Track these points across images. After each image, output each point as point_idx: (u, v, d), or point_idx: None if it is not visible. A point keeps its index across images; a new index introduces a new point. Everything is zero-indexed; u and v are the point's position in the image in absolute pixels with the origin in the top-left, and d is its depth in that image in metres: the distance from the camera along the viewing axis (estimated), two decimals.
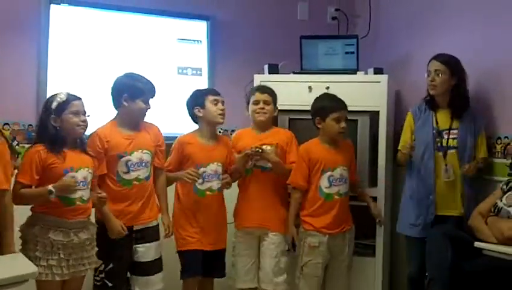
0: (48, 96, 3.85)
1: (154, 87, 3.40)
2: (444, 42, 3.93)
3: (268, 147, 3.58)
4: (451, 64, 3.49)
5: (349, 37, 4.45)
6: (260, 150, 3.52)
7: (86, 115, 3.10)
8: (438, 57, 3.53)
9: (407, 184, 3.71)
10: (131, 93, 3.31)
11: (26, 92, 3.96)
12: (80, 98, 3.10)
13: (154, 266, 3.42)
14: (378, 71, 4.06)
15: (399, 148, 3.68)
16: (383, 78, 3.98)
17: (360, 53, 4.22)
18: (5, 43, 3.91)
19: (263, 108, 3.65)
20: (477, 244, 3.05)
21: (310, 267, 3.55)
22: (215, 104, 3.54)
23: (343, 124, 3.51)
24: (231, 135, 4.25)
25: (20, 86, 3.94)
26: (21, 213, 3.01)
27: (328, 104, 3.55)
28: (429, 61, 3.56)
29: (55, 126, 3.02)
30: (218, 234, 3.59)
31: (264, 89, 3.69)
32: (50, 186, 2.93)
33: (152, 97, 3.39)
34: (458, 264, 3.07)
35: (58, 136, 3.02)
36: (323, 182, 3.55)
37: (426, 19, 4.18)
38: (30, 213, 3.04)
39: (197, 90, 3.71)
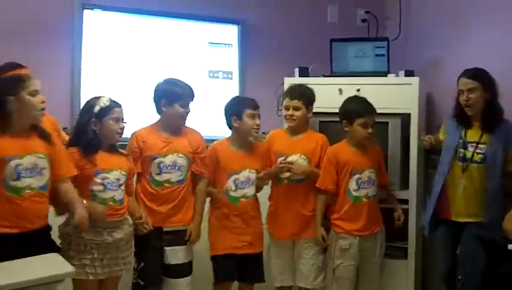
0: (81, 100, 3.97)
1: (192, 91, 3.44)
2: (475, 44, 3.89)
3: (301, 160, 3.60)
4: (482, 79, 3.36)
5: (380, 39, 4.43)
6: (290, 163, 3.56)
7: (124, 122, 3.16)
8: (467, 73, 3.40)
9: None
10: (169, 98, 3.37)
11: (60, 96, 4.03)
12: (120, 105, 3.16)
13: (183, 269, 3.45)
14: (409, 73, 4.02)
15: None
16: (414, 80, 3.94)
17: (390, 55, 4.21)
18: (39, 48, 4.00)
19: (292, 115, 3.64)
20: (511, 247, 3.01)
21: (342, 269, 3.56)
22: (252, 118, 3.53)
23: (370, 130, 3.50)
24: (262, 137, 4.27)
25: (54, 90, 3.97)
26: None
27: (355, 108, 3.54)
28: (458, 79, 3.44)
29: (95, 130, 3.08)
30: (254, 238, 3.60)
31: (294, 95, 3.65)
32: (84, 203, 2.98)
33: (191, 101, 3.43)
34: (491, 268, 3.04)
35: (95, 139, 3.09)
36: (352, 185, 3.55)
37: (457, 20, 4.14)
38: None
39: (238, 98, 3.73)
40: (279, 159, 3.61)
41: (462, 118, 3.46)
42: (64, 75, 4.08)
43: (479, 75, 3.37)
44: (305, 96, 3.65)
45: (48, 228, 2.95)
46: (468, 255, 3.28)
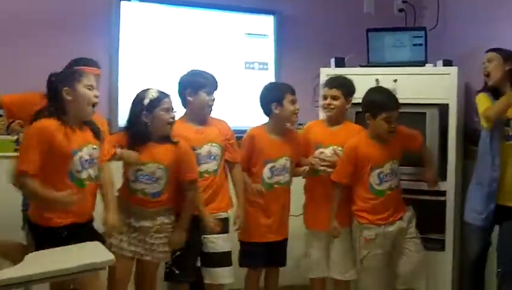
0: (119, 92, 4.02)
1: (215, 80, 3.45)
2: None
3: (328, 151, 3.58)
4: (503, 51, 3.40)
5: (417, 29, 4.37)
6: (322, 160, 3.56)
7: (174, 111, 3.20)
8: (491, 49, 3.46)
9: (474, 171, 3.60)
10: (193, 87, 3.39)
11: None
12: (169, 96, 3.20)
13: (223, 259, 3.47)
14: (447, 63, 3.97)
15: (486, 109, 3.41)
16: (453, 70, 3.89)
17: (428, 45, 4.15)
18: (76, 40, 4.04)
19: (330, 104, 3.61)
20: None
21: (370, 259, 3.52)
22: (292, 104, 3.54)
23: (393, 125, 3.44)
24: (298, 128, 4.26)
25: None
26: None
27: (380, 102, 3.46)
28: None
29: (146, 122, 3.13)
30: (283, 225, 3.64)
31: (333, 84, 3.63)
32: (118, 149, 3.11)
33: (215, 89, 3.44)
34: None
35: (146, 131, 3.14)
36: (374, 180, 3.49)
37: (495, 9, 4.06)
38: None
39: (274, 84, 3.72)
40: (317, 152, 3.60)
41: (492, 92, 3.44)
42: (102, 68, 4.09)
43: (500, 48, 3.43)
44: (345, 86, 3.62)
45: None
46: (508, 247, 3.23)
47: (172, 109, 3.20)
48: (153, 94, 3.15)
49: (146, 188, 3.16)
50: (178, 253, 3.33)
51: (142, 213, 3.16)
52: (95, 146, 2.94)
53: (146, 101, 3.13)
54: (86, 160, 2.88)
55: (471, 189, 3.60)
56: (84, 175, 2.88)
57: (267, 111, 3.58)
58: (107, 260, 2.56)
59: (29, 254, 2.52)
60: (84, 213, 2.93)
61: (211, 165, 3.42)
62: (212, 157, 3.42)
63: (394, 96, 3.51)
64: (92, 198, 2.99)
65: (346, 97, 3.61)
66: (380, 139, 3.49)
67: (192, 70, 3.50)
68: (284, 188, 3.62)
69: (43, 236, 2.81)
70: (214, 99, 3.44)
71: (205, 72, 3.48)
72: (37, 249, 2.73)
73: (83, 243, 2.66)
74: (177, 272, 3.35)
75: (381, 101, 3.46)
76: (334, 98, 3.60)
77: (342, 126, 3.67)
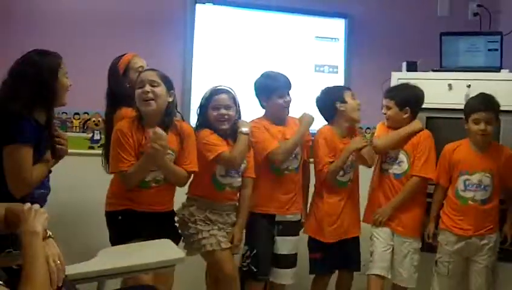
0: (192, 93, 4.10)
1: (287, 81, 3.47)
2: None
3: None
4: None
5: (493, 33, 4.26)
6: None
7: (226, 109, 3.21)
8: None
9: None
10: (266, 92, 3.44)
11: None
12: (224, 92, 3.25)
13: (290, 260, 3.52)
14: None
15: None
16: None
17: (504, 50, 4.05)
18: (152, 42, 4.16)
19: (385, 113, 3.64)
20: None
21: (440, 264, 3.54)
22: (353, 99, 3.58)
23: (482, 127, 3.38)
24: (366, 133, 4.25)
25: None
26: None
27: (469, 104, 3.49)
28: None
29: (207, 120, 3.23)
30: (356, 221, 3.65)
31: (387, 93, 3.64)
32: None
33: (288, 90, 3.47)
34: None
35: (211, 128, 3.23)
36: (459, 185, 3.48)
37: None
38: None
39: (329, 87, 3.72)
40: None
41: None
42: (177, 69, 4.21)
43: None
44: (398, 96, 3.59)
45: (172, 212, 3.20)
46: None
47: (227, 106, 3.22)
48: (206, 93, 3.25)
49: (233, 182, 3.27)
50: (255, 251, 3.39)
51: (230, 207, 3.31)
52: (170, 151, 3.00)
53: (202, 101, 3.26)
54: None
55: None
56: (148, 177, 2.99)
57: (331, 112, 3.60)
58: (178, 258, 2.61)
59: (102, 250, 2.60)
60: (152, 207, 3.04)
61: (293, 163, 3.48)
62: (294, 155, 3.46)
63: (488, 99, 3.47)
64: (162, 195, 3.09)
65: (400, 107, 3.57)
66: (479, 147, 3.48)
67: (264, 74, 3.53)
68: (355, 185, 3.66)
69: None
70: (289, 100, 3.48)
71: (277, 74, 3.51)
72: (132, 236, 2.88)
73: (156, 240, 2.72)
74: (255, 270, 3.40)
75: (470, 103, 3.50)
76: (387, 107, 3.60)
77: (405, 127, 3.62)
